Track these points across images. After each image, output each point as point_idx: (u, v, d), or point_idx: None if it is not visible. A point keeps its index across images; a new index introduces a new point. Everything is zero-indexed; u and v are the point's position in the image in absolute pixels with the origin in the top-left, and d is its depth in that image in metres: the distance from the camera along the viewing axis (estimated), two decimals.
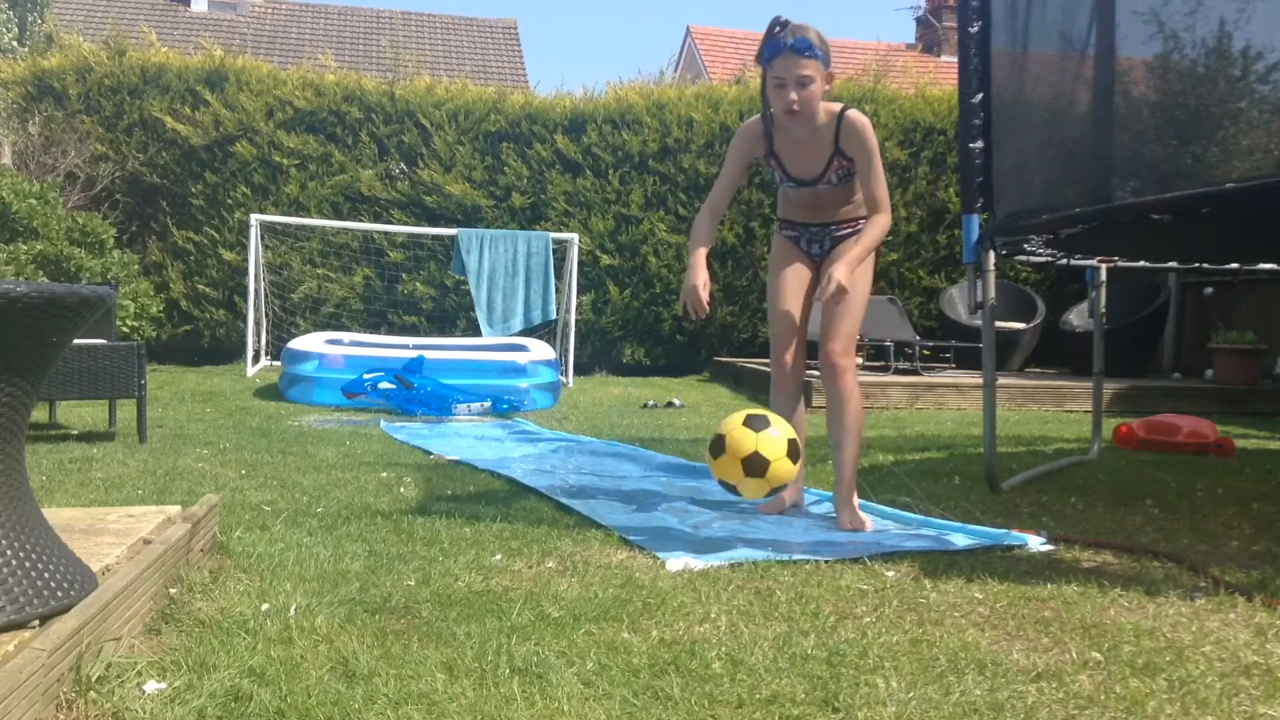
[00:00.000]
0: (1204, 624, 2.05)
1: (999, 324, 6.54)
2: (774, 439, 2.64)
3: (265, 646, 1.79)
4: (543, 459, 4.22)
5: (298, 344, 6.86)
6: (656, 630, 1.95)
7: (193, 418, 5.34)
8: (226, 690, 1.59)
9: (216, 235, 9.02)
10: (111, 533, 2.14)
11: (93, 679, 1.56)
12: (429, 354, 6.42)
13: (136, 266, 8.19)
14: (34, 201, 7.30)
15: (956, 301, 8.79)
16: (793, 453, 2.66)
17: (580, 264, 8.67)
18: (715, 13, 72.81)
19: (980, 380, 3.85)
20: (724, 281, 9.37)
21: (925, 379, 7.23)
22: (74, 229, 7.63)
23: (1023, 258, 4.25)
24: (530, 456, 4.28)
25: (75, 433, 4.66)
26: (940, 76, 11.12)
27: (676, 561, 2.47)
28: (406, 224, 9.05)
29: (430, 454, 4.27)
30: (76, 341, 3.96)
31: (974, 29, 3.65)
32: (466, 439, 4.85)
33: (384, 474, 3.72)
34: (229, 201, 9.01)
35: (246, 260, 8.27)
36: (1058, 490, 3.64)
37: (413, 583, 2.25)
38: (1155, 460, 4.46)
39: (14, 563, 1.62)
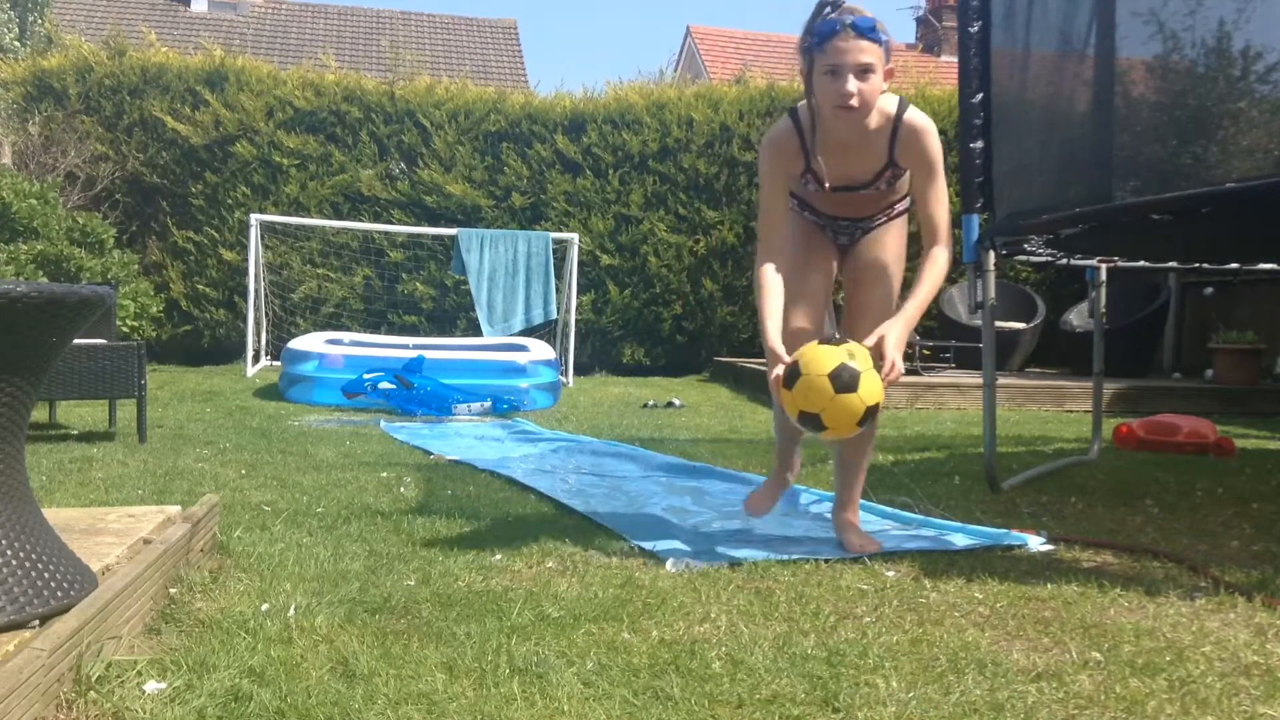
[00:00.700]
0: (1204, 624, 2.05)
1: (999, 324, 6.54)
2: (859, 350, 2.27)
3: (265, 646, 1.79)
4: (543, 459, 4.21)
5: (298, 344, 6.86)
6: (656, 630, 1.95)
7: (193, 418, 5.34)
8: (226, 690, 1.59)
9: (216, 235, 9.03)
10: (111, 533, 2.14)
11: (93, 679, 1.56)
12: (429, 354, 6.42)
13: (136, 266, 8.19)
14: (34, 201, 7.30)
15: (956, 301, 8.79)
16: (877, 365, 2.29)
17: (580, 264, 8.67)
18: (715, 13, 72.86)
19: (980, 380, 3.85)
20: (724, 281, 9.37)
21: (925, 379, 7.23)
22: (74, 229, 7.63)
23: (1023, 258, 4.24)
24: (530, 456, 4.28)
25: (75, 433, 4.66)
26: (940, 76, 11.13)
27: (677, 562, 2.47)
28: (406, 224, 9.05)
29: (430, 454, 4.27)
30: (76, 341, 3.96)
31: (974, 29, 3.65)
32: (466, 439, 4.84)
33: (384, 474, 3.72)
34: (229, 201, 9.01)
35: (246, 260, 8.27)
36: (1058, 490, 3.64)
37: (413, 583, 2.25)
38: (1155, 460, 4.46)
39: (14, 563, 1.62)
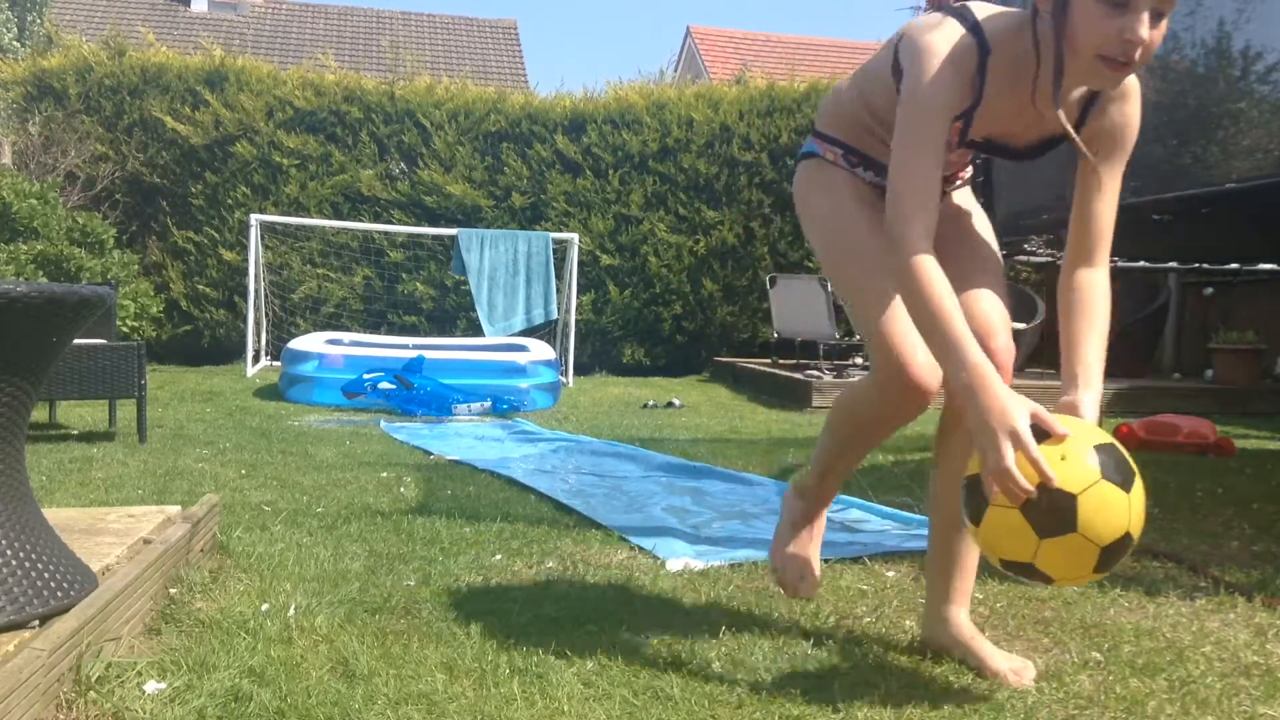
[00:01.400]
0: (1204, 624, 2.05)
1: None
2: (1140, 497, 1.48)
3: (265, 646, 1.79)
4: (543, 459, 4.21)
5: (298, 344, 6.86)
6: (656, 630, 1.95)
7: (193, 418, 5.34)
8: (226, 690, 1.59)
9: (216, 235, 9.02)
10: (111, 533, 2.14)
11: (93, 679, 1.56)
12: (429, 354, 6.42)
13: (136, 266, 8.19)
14: (34, 201, 7.30)
15: None
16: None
17: (580, 264, 8.67)
18: (715, 13, 72.86)
19: None
20: (724, 281, 9.37)
21: None
22: (74, 229, 7.63)
23: (1023, 258, 4.25)
24: (530, 456, 4.28)
25: (75, 433, 4.66)
26: None
27: (676, 561, 2.47)
28: (406, 224, 9.05)
29: (430, 454, 4.27)
30: (76, 341, 3.96)
31: None
32: (466, 439, 4.84)
33: (384, 474, 3.72)
34: (229, 201, 9.01)
35: (246, 260, 8.27)
36: None
37: (413, 583, 2.25)
38: (1155, 460, 4.45)
39: (14, 563, 1.62)
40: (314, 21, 19.12)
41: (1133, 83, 1.67)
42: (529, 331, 8.29)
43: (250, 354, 8.14)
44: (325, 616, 1.97)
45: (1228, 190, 3.12)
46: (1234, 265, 4.84)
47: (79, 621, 1.57)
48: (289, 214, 8.89)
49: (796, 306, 8.31)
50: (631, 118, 9.33)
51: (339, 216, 9.05)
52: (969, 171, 1.97)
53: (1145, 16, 1.46)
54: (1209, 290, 8.64)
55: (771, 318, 8.38)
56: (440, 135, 9.21)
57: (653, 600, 2.14)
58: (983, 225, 1.96)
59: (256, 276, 8.20)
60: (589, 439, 4.83)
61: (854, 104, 1.83)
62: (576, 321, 8.77)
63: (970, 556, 1.91)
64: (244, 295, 8.38)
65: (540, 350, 7.06)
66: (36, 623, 1.60)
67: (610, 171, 9.29)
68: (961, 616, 1.85)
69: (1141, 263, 4.56)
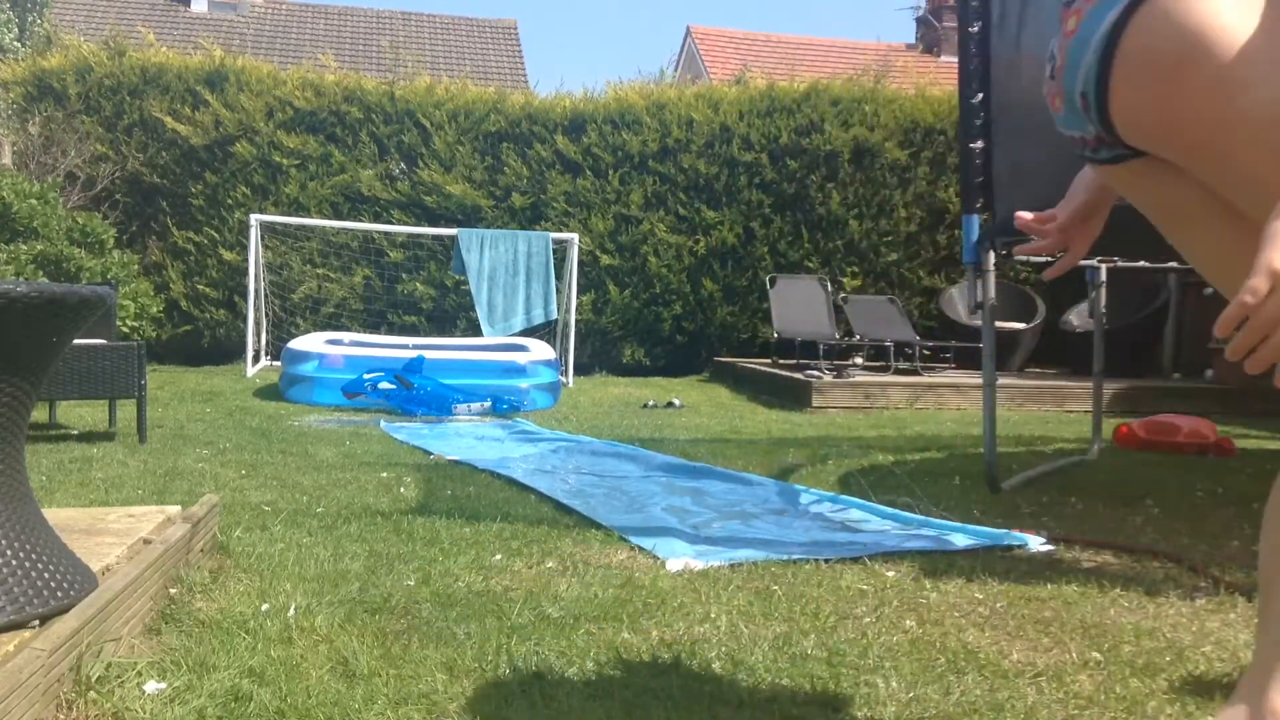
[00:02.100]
0: (1204, 624, 2.05)
1: (999, 324, 6.54)
2: None
3: (265, 646, 1.79)
4: (543, 459, 4.21)
5: (298, 344, 6.86)
6: (656, 630, 1.95)
7: (193, 418, 5.34)
8: (226, 690, 1.59)
9: (216, 235, 9.02)
10: (111, 533, 2.14)
11: (93, 679, 1.56)
12: (429, 354, 6.42)
13: (136, 266, 8.18)
14: (34, 201, 7.30)
15: (956, 301, 8.80)
16: None
17: (580, 264, 8.67)
18: (715, 13, 72.83)
19: (980, 380, 3.85)
20: (724, 281, 9.36)
21: (925, 379, 7.23)
22: (74, 229, 7.63)
23: (1023, 258, 4.24)
24: (530, 456, 4.28)
25: (75, 433, 4.66)
26: (940, 76, 11.12)
27: (676, 561, 2.47)
28: (406, 224, 9.05)
29: (430, 454, 4.27)
30: (76, 341, 3.96)
31: (974, 29, 3.65)
32: (466, 439, 4.84)
33: (384, 474, 3.72)
34: (229, 201, 9.01)
35: (246, 260, 8.27)
36: (1058, 490, 3.63)
37: (413, 583, 2.25)
38: (1155, 460, 4.46)
39: (14, 563, 1.62)
40: (314, 21, 19.12)
41: None
42: (529, 331, 8.29)
43: (250, 354, 8.14)
44: (325, 616, 1.97)
45: None
46: None
47: (79, 621, 1.57)
48: (289, 214, 8.89)
49: (796, 306, 8.31)
50: (631, 118, 9.33)
51: (339, 216, 9.05)
52: None
53: None
54: (1209, 290, 8.64)
55: (771, 318, 8.38)
56: (440, 135, 9.21)
57: (653, 600, 2.14)
58: None
59: (256, 276, 8.20)
60: (589, 439, 4.83)
61: None
62: (576, 321, 8.77)
63: None
64: (244, 295, 8.38)
65: (540, 350, 7.06)
66: (36, 623, 1.60)
67: (610, 171, 9.29)
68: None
69: (1141, 263, 4.55)
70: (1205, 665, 1.80)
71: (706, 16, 55.33)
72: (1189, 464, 4.37)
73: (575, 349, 8.53)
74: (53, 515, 2.12)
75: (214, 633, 1.85)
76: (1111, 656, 1.84)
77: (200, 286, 9.01)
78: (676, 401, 6.85)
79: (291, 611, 1.99)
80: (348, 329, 8.76)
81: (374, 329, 8.92)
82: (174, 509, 2.40)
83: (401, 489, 3.43)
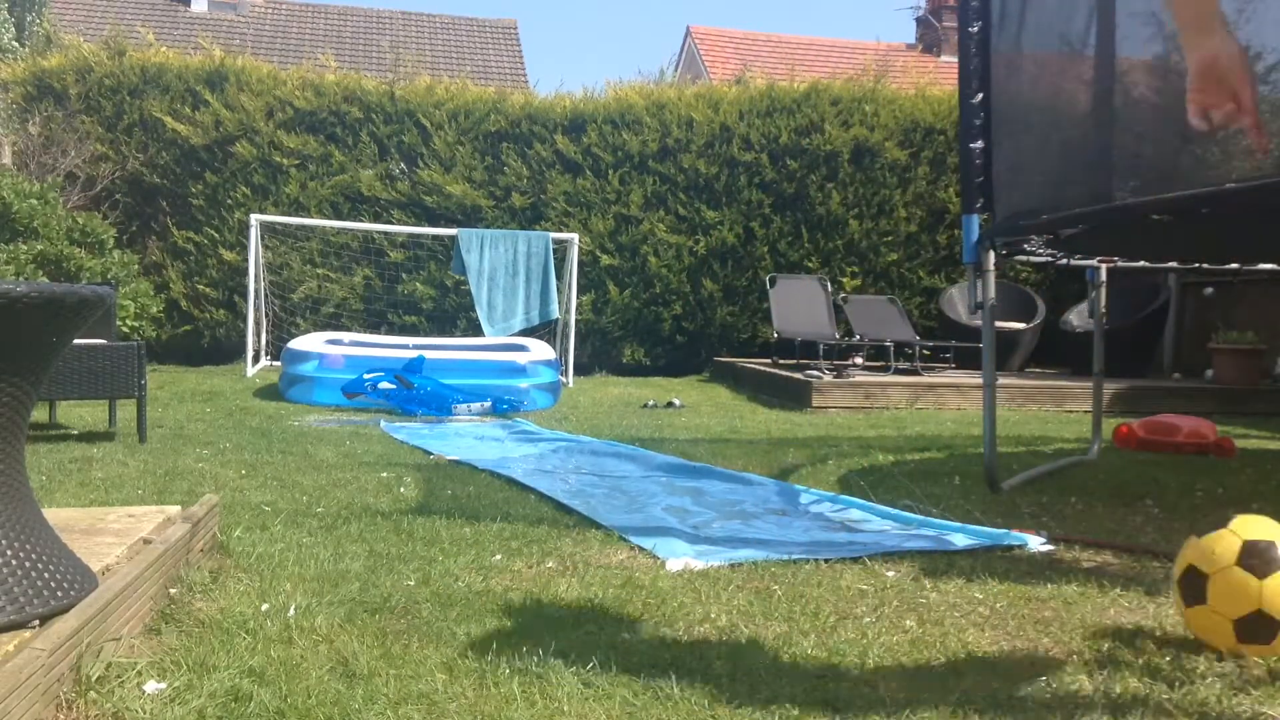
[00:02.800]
0: None
1: (999, 324, 6.54)
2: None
3: (265, 646, 1.79)
4: (543, 459, 4.22)
5: (298, 344, 6.86)
6: (656, 630, 1.95)
7: (193, 418, 5.34)
8: (226, 690, 1.59)
9: (216, 235, 9.02)
10: (111, 533, 2.14)
11: (93, 679, 1.56)
12: (429, 354, 6.42)
13: (136, 266, 8.18)
14: (34, 201, 7.30)
15: (956, 301, 8.79)
16: None
17: (580, 264, 8.67)
18: (715, 13, 72.78)
19: (980, 380, 3.85)
20: (724, 281, 9.37)
21: (925, 379, 7.23)
22: (74, 229, 7.63)
23: (1023, 258, 4.24)
24: (530, 456, 4.28)
25: (75, 433, 4.66)
26: (940, 76, 11.13)
27: (676, 561, 2.47)
28: (406, 224, 9.05)
29: (430, 454, 4.27)
30: (76, 341, 3.96)
31: (974, 29, 3.65)
32: (466, 439, 4.84)
33: (384, 474, 3.72)
34: (229, 201, 9.01)
35: (246, 260, 8.27)
36: (1058, 490, 3.64)
37: (413, 583, 2.25)
38: (1155, 460, 4.46)
39: (14, 563, 1.62)
40: (314, 21, 19.11)
41: None
42: (529, 331, 8.29)
43: (250, 354, 8.14)
44: (325, 616, 1.97)
45: (1228, 190, 3.12)
46: (1234, 265, 4.84)
47: (79, 621, 1.57)
48: (289, 214, 8.89)
49: (796, 306, 8.31)
50: (631, 118, 9.33)
51: (339, 216, 9.05)
52: None
53: None
54: (1209, 290, 8.64)
55: (771, 318, 8.38)
56: (440, 135, 9.20)
57: (653, 600, 2.14)
58: None
59: (256, 276, 8.20)
60: (589, 439, 4.83)
61: None
62: (576, 321, 8.77)
63: None
64: (244, 295, 8.38)
65: (540, 350, 7.06)
66: (36, 623, 1.60)
67: (610, 171, 9.29)
68: None
69: (1141, 263, 4.56)
70: (1205, 665, 1.80)
71: (706, 16, 55.33)
72: (1189, 464, 4.37)
73: (575, 349, 8.53)
74: (53, 515, 2.12)
75: (214, 633, 1.85)
76: (1110, 656, 1.84)
77: (200, 286, 9.01)
78: (676, 401, 6.85)
79: (291, 611, 1.99)
80: (348, 329, 8.76)
81: (374, 329, 8.92)
82: (174, 509, 2.40)
83: (401, 489, 3.43)
